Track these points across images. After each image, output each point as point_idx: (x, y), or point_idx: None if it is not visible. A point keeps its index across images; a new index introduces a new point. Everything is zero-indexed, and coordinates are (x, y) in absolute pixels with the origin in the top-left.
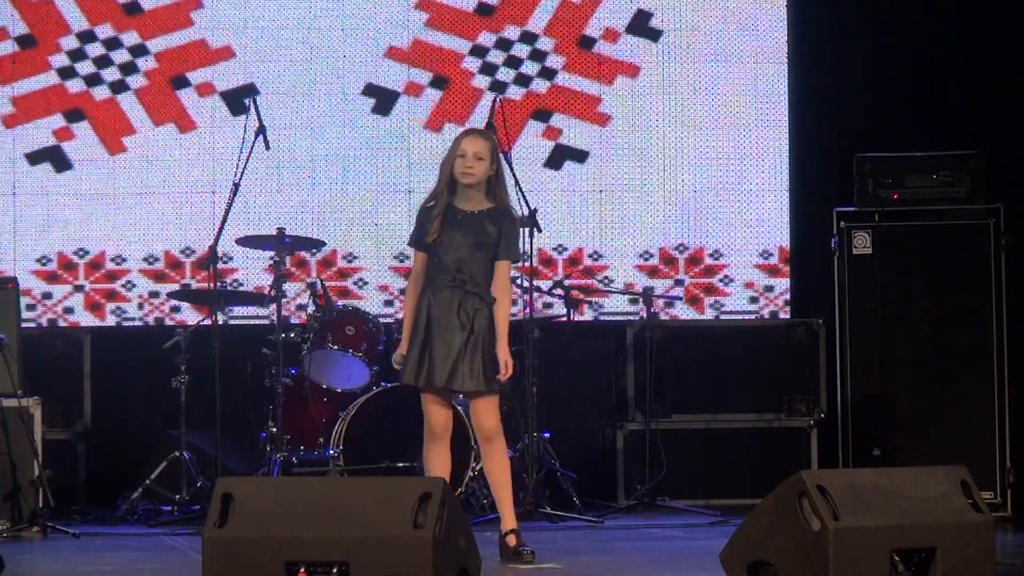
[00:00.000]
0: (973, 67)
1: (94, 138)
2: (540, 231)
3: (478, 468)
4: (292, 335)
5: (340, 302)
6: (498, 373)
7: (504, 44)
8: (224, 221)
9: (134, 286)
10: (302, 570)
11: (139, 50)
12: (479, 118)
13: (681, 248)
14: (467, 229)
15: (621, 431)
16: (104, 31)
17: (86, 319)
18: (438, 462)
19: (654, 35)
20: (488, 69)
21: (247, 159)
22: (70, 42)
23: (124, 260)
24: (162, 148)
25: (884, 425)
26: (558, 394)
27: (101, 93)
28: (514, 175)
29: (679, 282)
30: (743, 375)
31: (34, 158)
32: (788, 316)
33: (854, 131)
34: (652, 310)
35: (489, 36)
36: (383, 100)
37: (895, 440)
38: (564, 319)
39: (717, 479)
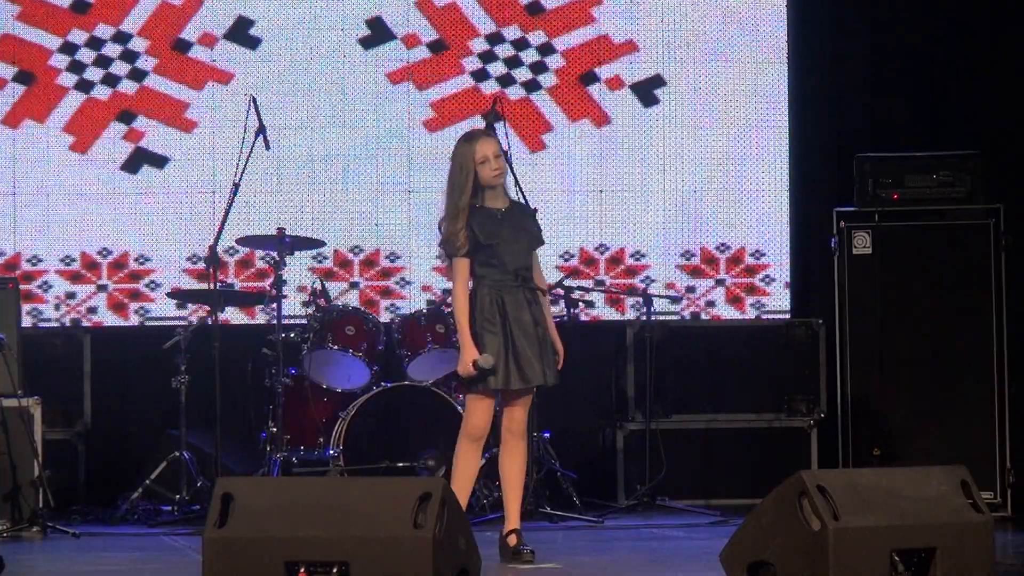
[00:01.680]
0: (973, 67)
1: (159, 125)
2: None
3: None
4: (292, 335)
5: (340, 301)
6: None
7: (521, 44)
8: (224, 221)
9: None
10: (302, 570)
11: (121, 36)
12: (440, 91)
13: (684, 249)
14: (513, 226)
15: (621, 431)
16: (77, 35)
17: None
18: (473, 463)
19: (649, 101)
20: (487, 56)
21: (247, 159)
22: (60, 60)
23: (132, 260)
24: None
25: (884, 425)
26: (558, 394)
27: (128, 86)
28: (514, 175)
29: (720, 281)
30: (743, 375)
31: (130, 166)
32: (788, 316)
33: (854, 131)
34: (651, 310)
35: (515, 31)
36: (377, 35)
37: (895, 440)
38: (564, 319)
39: (717, 479)
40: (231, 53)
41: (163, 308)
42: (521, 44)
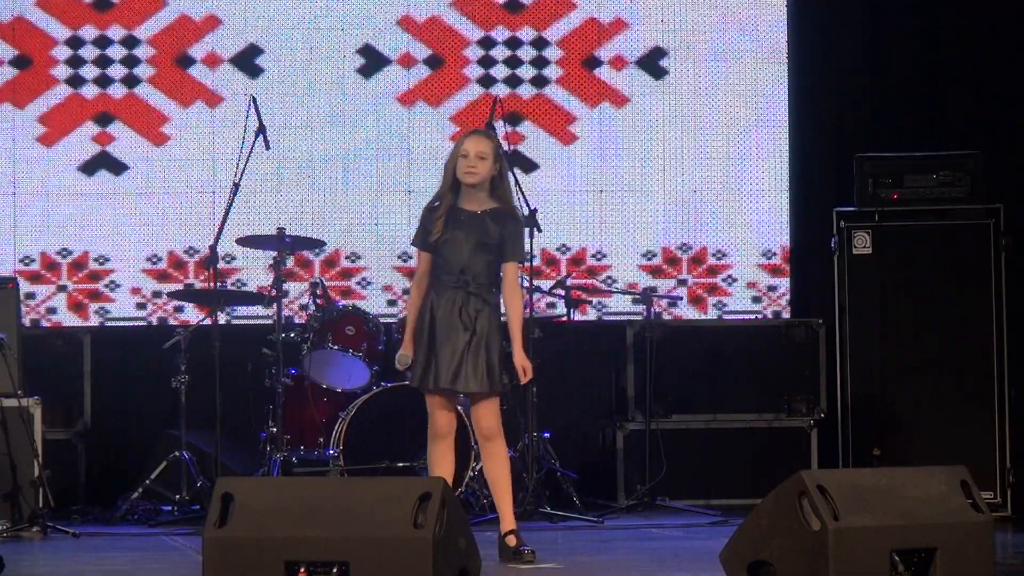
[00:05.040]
0: (973, 67)
1: (133, 134)
2: (540, 231)
3: (478, 468)
4: (292, 335)
5: (341, 302)
6: (504, 374)
7: (513, 43)
8: (224, 221)
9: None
10: (302, 570)
11: (130, 41)
12: (455, 105)
13: (684, 248)
14: (469, 229)
15: (621, 431)
16: (88, 32)
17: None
18: (442, 461)
19: (659, 73)
20: (486, 62)
21: (247, 159)
22: (62, 52)
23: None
24: (196, 129)
25: (884, 425)
26: (558, 394)
27: (117, 91)
28: (514, 175)
29: (681, 282)
30: (743, 375)
31: (88, 168)
32: (788, 316)
33: (854, 131)
34: (653, 310)
35: (503, 31)
36: (372, 62)
37: (895, 440)
38: (564, 319)
39: (717, 479)
40: (230, 77)
41: (248, 307)
42: (513, 43)
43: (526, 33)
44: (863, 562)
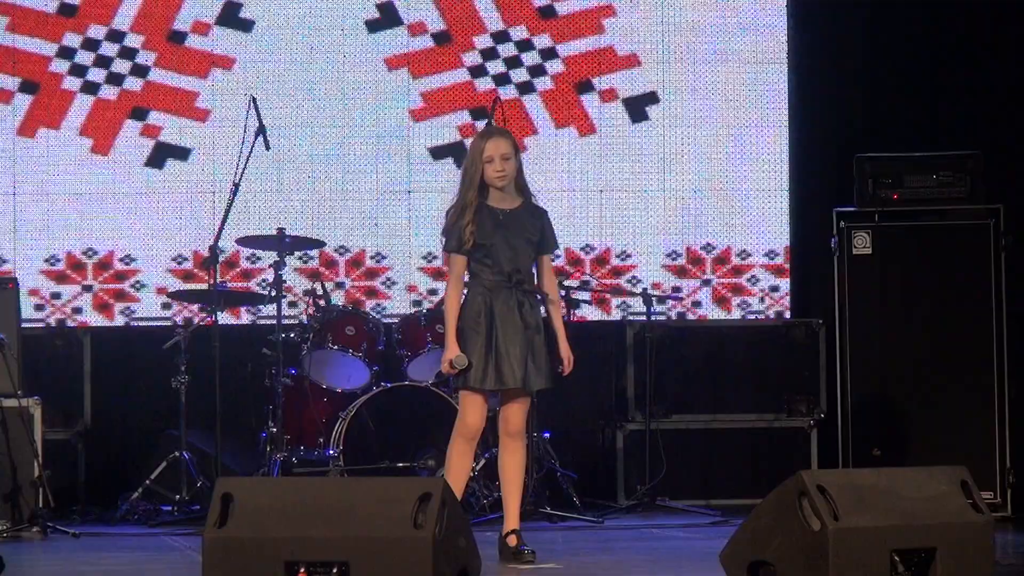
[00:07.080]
0: (973, 67)
1: (21, 113)
2: None
3: (478, 468)
4: (292, 335)
5: (339, 302)
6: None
7: (490, 53)
8: (224, 221)
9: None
10: (302, 570)
11: (115, 35)
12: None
13: (682, 249)
14: (513, 228)
15: (621, 431)
16: (71, 39)
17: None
18: (464, 461)
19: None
20: (502, 80)
21: (247, 159)
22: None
23: (133, 260)
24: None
25: (884, 425)
26: (558, 394)
27: (71, 83)
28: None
29: (585, 283)
30: (743, 375)
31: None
32: (788, 316)
33: (854, 131)
34: (652, 310)
35: (521, 31)
36: (386, 19)
37: (895, 440)
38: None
39: (717, 479)
40: (227, 38)
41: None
42: (525, 45)
43: (541, 40)
44: (863, 562)
